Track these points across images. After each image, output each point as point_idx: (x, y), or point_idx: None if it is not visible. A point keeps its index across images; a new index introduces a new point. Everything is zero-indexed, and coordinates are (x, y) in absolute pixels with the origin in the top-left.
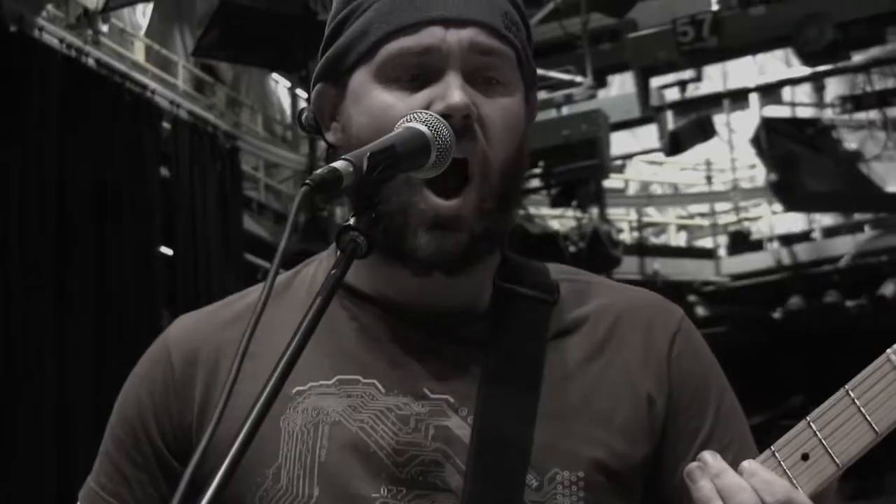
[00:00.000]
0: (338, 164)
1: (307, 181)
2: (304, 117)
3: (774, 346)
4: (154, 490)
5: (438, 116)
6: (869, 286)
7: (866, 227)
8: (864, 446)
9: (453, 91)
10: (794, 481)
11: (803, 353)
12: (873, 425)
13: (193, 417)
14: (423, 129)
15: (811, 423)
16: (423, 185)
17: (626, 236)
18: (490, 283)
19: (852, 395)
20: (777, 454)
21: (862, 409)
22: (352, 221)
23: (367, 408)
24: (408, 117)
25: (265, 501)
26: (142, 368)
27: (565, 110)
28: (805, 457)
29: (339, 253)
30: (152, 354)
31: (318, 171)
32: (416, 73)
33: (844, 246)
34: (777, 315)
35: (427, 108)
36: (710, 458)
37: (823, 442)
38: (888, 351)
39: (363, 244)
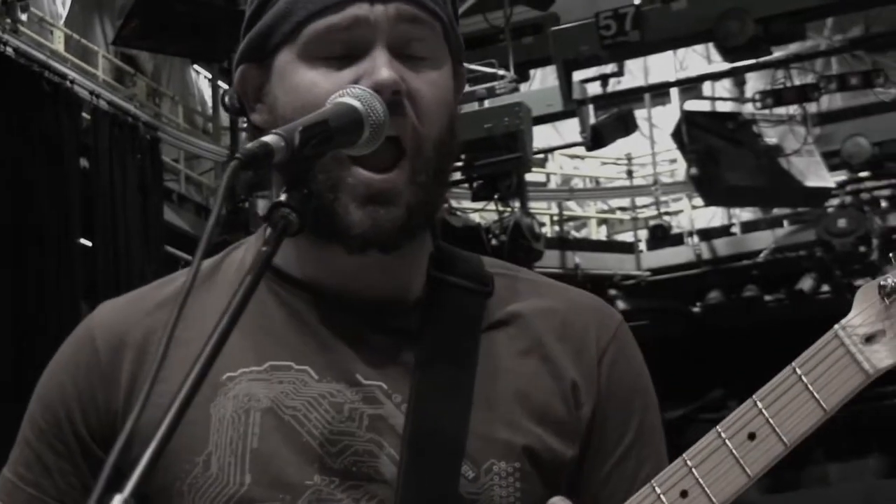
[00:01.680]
0: (268, 138)
1: (237, 155)
2: (227, 99)
3: (694, 339)
4: (77, 479)
5: (371, 92)
6: (787, 281)
7: (785, 222)
8: (812, 424)
9: (381, 67)
10: (742, 461)
11: (723, 347)
12: (821, 403)
13: (119, 404)
14: (356, 104)
15: (758, 402)
16: (350, 162)
17: (548, 230)
18: (423, 271)
19: (799, 372)
20: (723, 434)
21: (809, 386)
22: (283, 198)
23: (300, 395)
24: (340, 92)
25: (195, 489)
26: (64, 354)
27: (487, 103)
28: (752, 436)
29: (269, 230)
30: (76, 339)
31: (249, 145)
32: (342, 51)
33: (763, 241)
34: (696, 309)
35: (355, 84)
36: None
37: (770, 421)
38: (836, 327)
39: (295, 221)
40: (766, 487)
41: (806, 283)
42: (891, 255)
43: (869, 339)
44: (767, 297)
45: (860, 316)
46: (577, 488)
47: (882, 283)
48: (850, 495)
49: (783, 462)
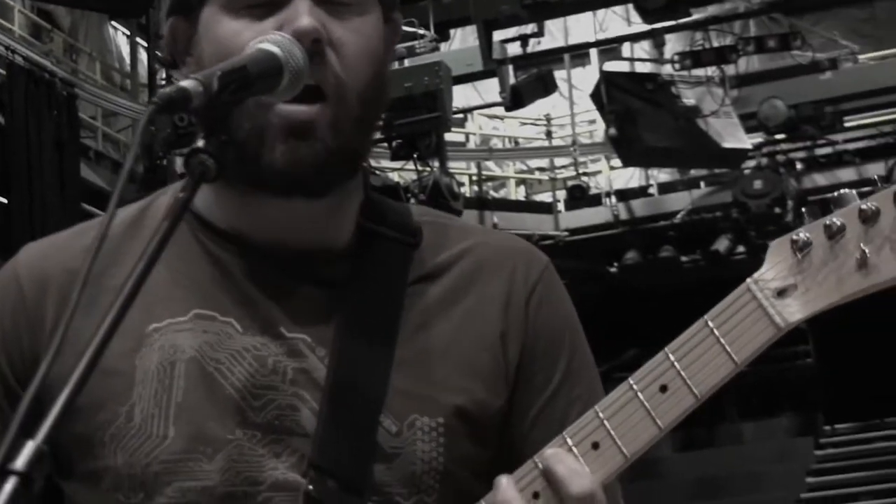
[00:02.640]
0: (186, 83)
1: (154, 99)
2: (161, 52)
3: (610, 299)
4: (2, 427)
5: (291, 38)
6: (703, 242)
7: (702, 184)
8: (723, 377)
9: (301, 14)
10: (653, 413)
11: (639, 307)
12: (732, 356)
13: (43, 348)
14: (275, 50)
15: (670, 355)
16: (273, 105)
17: (467, 190)
18: (352, 220)
19: (711, 325)
20: (635, 386)
21: (721, 339)
22: (201, 144)
23: (224, 347)
24: (259, 39)
25: (116, 440)
26: None
27: (407, 63)
28: (663, 388)
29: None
30: (0, 281)
31: (166, 89)
32: (264, 1)
33: (680, 202)
34: (613, 269)
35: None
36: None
37: (682, 373)
38: (748, 281)
39: (213, 167)
40: (680, 446)
41: (722, 244)
42: (803, 210)
43: (781, 293)
44: (683, 258)
45: (772, 270)
46: (507, 434)
47: (794, 237)
48: (762, 453)
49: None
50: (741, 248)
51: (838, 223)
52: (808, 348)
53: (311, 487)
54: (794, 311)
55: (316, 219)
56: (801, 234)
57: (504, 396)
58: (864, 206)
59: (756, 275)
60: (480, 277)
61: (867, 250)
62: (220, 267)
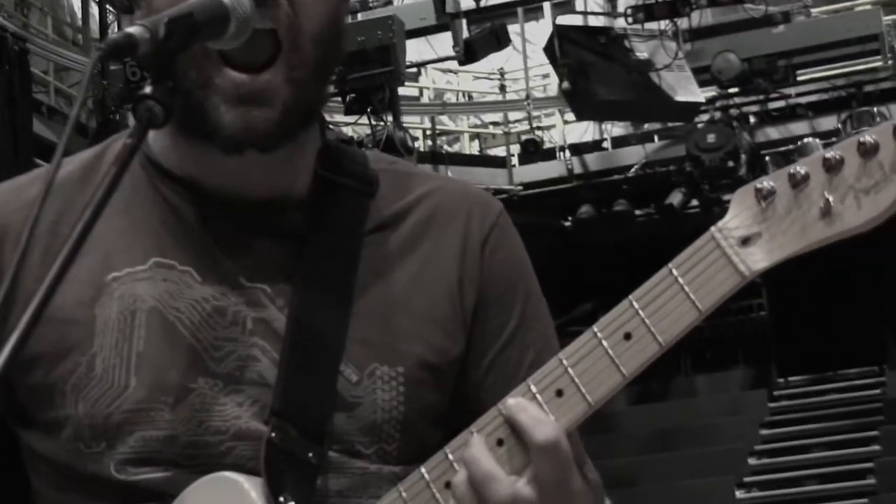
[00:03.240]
0: (133, 29)
1: (101, 45)
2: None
3: (565, 254)
4: None
5: None
6: (657, 195)
7: (655, 137)
8: (687, 325)
9: None
10: (617, 361)
11: (593, 261)
12: (696, 304)
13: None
14: None
15: (634, 303)
16: (220, 61)
17: (421, 144)
18: (308, 169)
19: (675, 273)
20: (599, 334)
21: (685, 287)
22: (148, 90)
23: (184, 297)
24: None
25: (77, 389)
26: None
27: (360, 17)
28: (628, 336)
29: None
30: None
31: (113, 35)
32: None
33: (634, 155)
34: (568, 223)
35: None
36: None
37: (646, 321)
38: (712, 229)
39: (160, 113)
40: (634, 399)
41: (675, 198)
42: (766, 158)
43: (745, 241)
44: (638, 212)
45: (736, 218)
46: (463, 380)
47: (758, 186)
48: (716, 406)
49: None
50: (695, 202)
51: (802, 172)
52: (762, 301)
53: (272, 435)
54: (758, 260)
55: (271, 169)
56: (766, 182)
57: (462, 343)
58: (828, 155)
59: (720, 223)
60: (436, 224)
61: (831, 199)
62: (179, 215)
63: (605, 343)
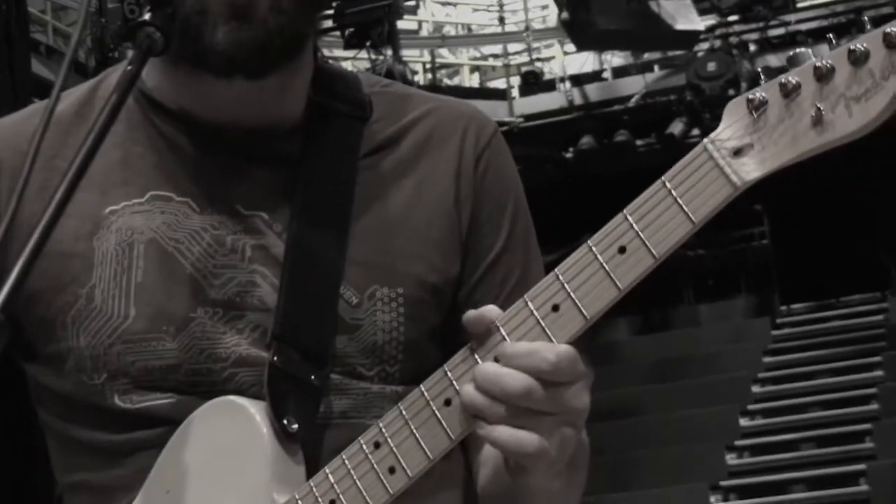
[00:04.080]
0: None
1: None
2: None
3: (566, 185)
4: None
5: None
6: (658, 125)
7: (656, 67)
8: (681, 237)
9: None
10: (612, 275)
11: (594, 192)
12: (690, 215)
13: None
14: None
15: (628, 216)
16: None
17: (420, 78)
18: (302, 96)
19: (668, 185)
20: (594, 248)
21: (679, 199)
22: (147, 17)
23: (182, 227)
24: None
25: (78, 322)
26: None
27: None
28: (622, 250)
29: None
30: None
31: None
32: None
33: (634, 85)
34: (569, 155)
35: None
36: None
37: (641, 234)
38: (704, 141)
39: (159, 40)
40: (637, 329)
41: (676, 128)
42: (759, 70)
43: (737, 152)
44: (638, 142)
45: (728, 129)
46: (453, 299)
47: (750, 97)
48: (719, 335)
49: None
50: (696, 131)
51: (794, 81)
52: (764, 230)
53: (275, 358)
54: (750, 170)
55: (264, 97)
56: (757, 93)
57: (458, 265)
58: (818, 64)
59: (712, 135)
60: (432, 145)
61: (822, 108)
62: (175, 148)
63: (600, 257)
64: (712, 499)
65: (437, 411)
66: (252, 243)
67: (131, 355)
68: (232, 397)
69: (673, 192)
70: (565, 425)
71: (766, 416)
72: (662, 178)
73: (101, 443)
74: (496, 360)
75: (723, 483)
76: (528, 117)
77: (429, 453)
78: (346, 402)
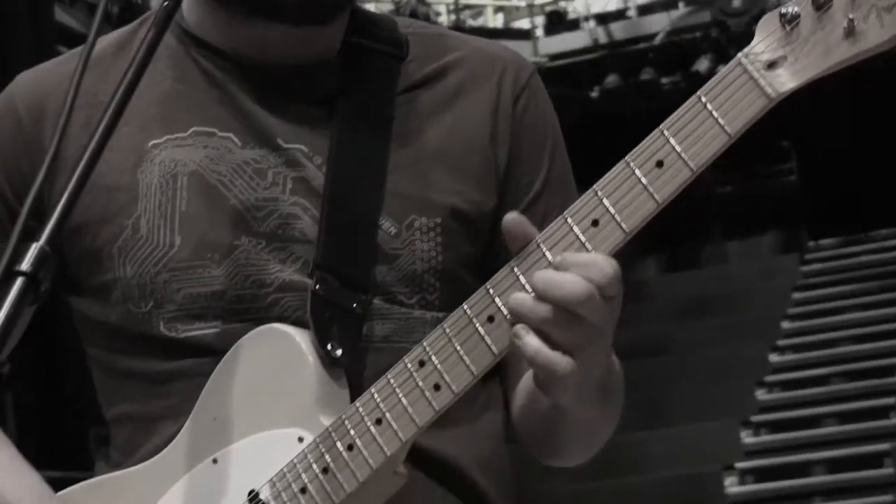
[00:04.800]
0: None
1: None
2: None
3: (592, 124)
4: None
5: None
6: (683, 63)
7: (680, 4)
8: (717, 149)
9: None
10: (650, 188)
11: (620, 131)
12: (725, 128)
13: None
14: None
15: (664, 131)
16: None
17: (444, 19)
18: (340, 35)
19: (704, 99)
20: (631, 163)
21: (714, 112)
22: None
23: (225, 161)
24: None
25: (124, 252)
26: None
27: None
28: (659, 164)
29: None
30: None
31: None
32: None
33: (659, 23)
34: (594, 94)
35: None
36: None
37: (677, 148)
38: (739, 55)
39: None
40: (665, 267)
41: (702, 65)
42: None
43: (771, 65)
44: (664, 80)
45: (762, 43)
46: (496, 236)
47: (783, 10)
48: (747, 272)
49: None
50: (721, 68)
51: None
52: (791, 166)
53: (317, 287)
54: (784, 81)
55: (306, 38)
56: (790, 7)
57: (494, 198)
58: None
59: (746, 49)
60: (469, 85)
61: (854, 18)
62: (216, 84)
63: (637, 172)
64: (743, 434)
65: (479, 328)
66: (293, 175)
67: (177, 283)
68: (277, 325)
69: (708, 105)
70: (596, 342)
71: (796, 352)
72: (697, 92)
73: (147, 373)
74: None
75: (754, 418)
76: (552, 57)
77: (472, 369)
78: (388, 326)
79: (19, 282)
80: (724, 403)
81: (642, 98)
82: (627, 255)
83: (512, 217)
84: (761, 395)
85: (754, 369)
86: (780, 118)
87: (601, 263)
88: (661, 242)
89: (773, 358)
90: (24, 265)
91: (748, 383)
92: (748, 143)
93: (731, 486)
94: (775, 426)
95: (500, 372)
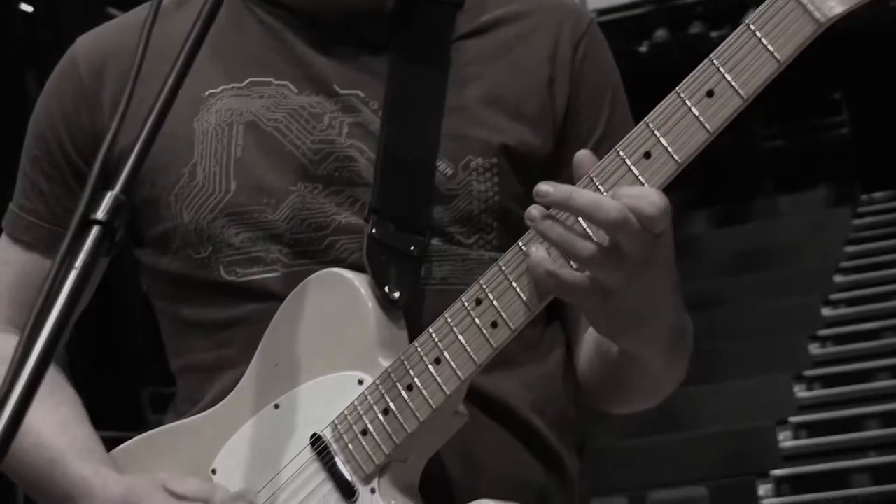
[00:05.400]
0: None
1: None
2: None
3: (641, 80)
4: (71, 202)
5: None
6: (733, 15)
7: None
8: (767, 76)
9: None
10: (701, 118)
11: (669, 87)
12: (775, 54)
13: (105, 125)
14: None
15: (714, 60)
16: None
17: None
18: None
19: (753, 27)
20: (682, 94)
21: (763, 40)
22: None
23: (281, 108)
24: None
25: (181, 198)
26: (51, 85)
27: None
28: (710, 93)
29: None
30: (60, 69)
31: None
32: None
33: None
34: (643, 49)
35: None
36: (547, 186)
37: (727, 77)
38: None
39: None
40: (716, 222)
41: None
42: None
43: None
44: (713, 34)
45: None
46: (557, 177)
47: None
48: (799, 225)
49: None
50: None
51: None
52: (843, 118)
53: (374, 230)
54: (832, 6)
55: None
56: None
57: (550, 143)
58: None
59: None
60: (527, 33)
61: None
62: (273, 34)
63: (688, 102)
64: (796, 388)
65: None
66: (349, 121)
67: (234, 227)
68: (335, 269)
69: (757, 33)
70: (642, 278)
71: (849, 306)
72: (746, 21)
73: (207, 320)
74: None
75: (807, 373)
76: (601, 12)
77: (529, 306)
78: (446, 268)
79: (95, 230)
80: (776, 358)
81: (692, 52)
82: (677, 209)
83: (582, 154)
84: (814, 349)
85: (807, 323)
86: (832, 70)
87: (652, 195)
88: (711, 197)
89: (826, 312)
90: (100, 213)
91: (801, 338)
92: (799, 96)
93: (785, 440)
94: (828, 380)
95: (566, 320)
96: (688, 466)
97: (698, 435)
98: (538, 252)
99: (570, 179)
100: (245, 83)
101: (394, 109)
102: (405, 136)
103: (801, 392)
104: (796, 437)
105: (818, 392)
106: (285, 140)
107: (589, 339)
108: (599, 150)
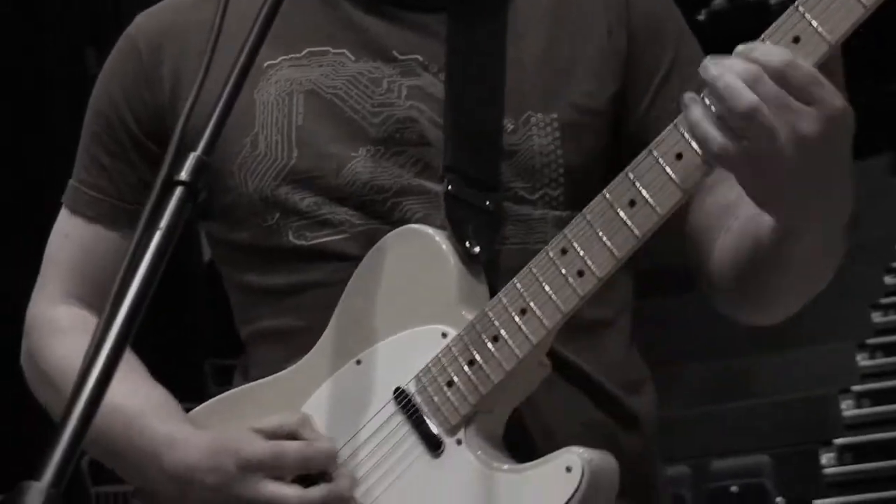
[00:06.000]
0: None
1: None
2: None
3: (702, 47)
4: (135, 178)
5: None
6: None
7: None
8: (853, 22)
9: None
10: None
11: (728, 54)
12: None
13: (166, 99)
14: None
15: (799, 7)
16: None
17: None
18: None
19: None
20: (767, 42)
21: None
22: None
23: (339, 75)
24: None
25: (244, 168)
26: (110, 62)
27: None
28: (796, 39)
29: None
30: (119, 47)
31: None
32: None
33: None
34: (702, 17)
35: None
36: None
37: (812, 23)
38: None
39: None
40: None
41: None
42: None
43: None
44: (772, 1)
45: None
46: (625, 124)
47: None
48: (860, 193)
49: None
50: None
51: None
52: None
53: (449, 188)
54: None
55: None
56: None
57: (613, 88)
58: None
59: None
60: None
61: None
62: (328, 4)
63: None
64: (858, 357)
65: (620, 212)
66: (408, 84)
67: (298, 193)
68: (415, 225)
69: None
70: (806, 148)
71: None
72: None
73: (279, 285)
74: None
75: (869, 341)
76: None
77: (616, 253)
78: (510, 227)
79: (179, 191)
80: (838, 326)
81: (751, 19)
82: None
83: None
84: (877, 317)
85: (869, 291)
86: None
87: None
88: None
89: (888, 280)
90: (183, 174)
91: (863, 306)
92: (864, 59)
93: (848, 409)
94: (891, 349)
95: (691, 234)
96: (750, 435)
97: (760, 403)
98: (697, 110)
99: (642, 116)
100: (303, 53)
101: (455, 71)
102: (468, 96)
103: (863, 361)
104: (858, 406)
105: (880, 360)
106: (345, 106)
107: (735, 231)
108: (671, 79)
